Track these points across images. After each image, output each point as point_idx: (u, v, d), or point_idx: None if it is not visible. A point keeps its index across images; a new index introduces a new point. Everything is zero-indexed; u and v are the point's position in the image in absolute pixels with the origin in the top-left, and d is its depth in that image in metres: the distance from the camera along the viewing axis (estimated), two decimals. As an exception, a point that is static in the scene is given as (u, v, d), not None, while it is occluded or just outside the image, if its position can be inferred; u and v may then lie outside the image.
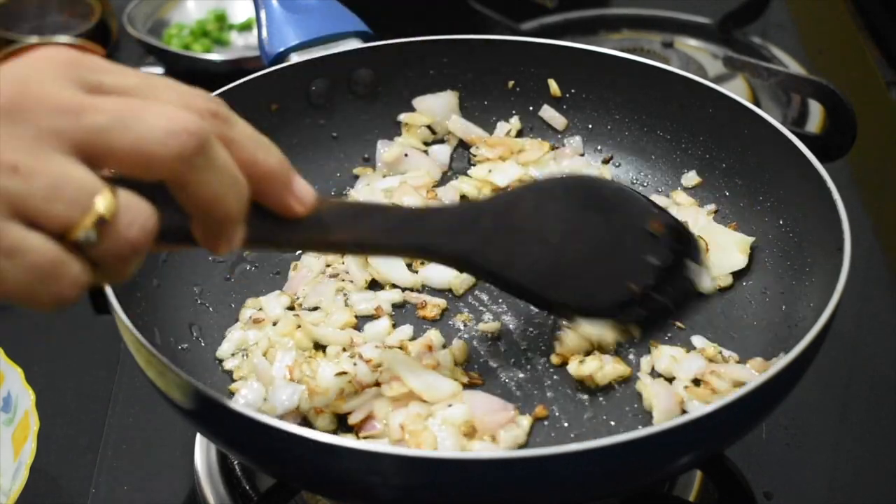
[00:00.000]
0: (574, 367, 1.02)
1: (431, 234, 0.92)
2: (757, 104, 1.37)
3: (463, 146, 1.31)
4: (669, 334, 1.08)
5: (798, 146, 1.10)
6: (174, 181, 0.70)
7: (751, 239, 1.15)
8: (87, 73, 0.69)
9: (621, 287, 1.03)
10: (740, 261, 1.14)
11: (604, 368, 1.01)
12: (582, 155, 1.29)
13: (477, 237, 0.94)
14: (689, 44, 1.79)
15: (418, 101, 1.30)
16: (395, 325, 1.09)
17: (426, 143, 1.30)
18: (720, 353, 1.04)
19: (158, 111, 0.68)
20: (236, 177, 0.73)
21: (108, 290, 0.95)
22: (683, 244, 1.10)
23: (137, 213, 0.68)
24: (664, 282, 1.06)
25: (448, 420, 0.95)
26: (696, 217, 1.19)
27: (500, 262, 0.96)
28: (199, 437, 1.15)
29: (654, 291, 1.05)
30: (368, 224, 0.87)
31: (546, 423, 0.99)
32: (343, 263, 1.16)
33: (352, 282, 1.13)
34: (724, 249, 1.14)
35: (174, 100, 0.71)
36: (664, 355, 1.03)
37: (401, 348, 1.04)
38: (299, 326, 1.07)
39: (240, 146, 0.74)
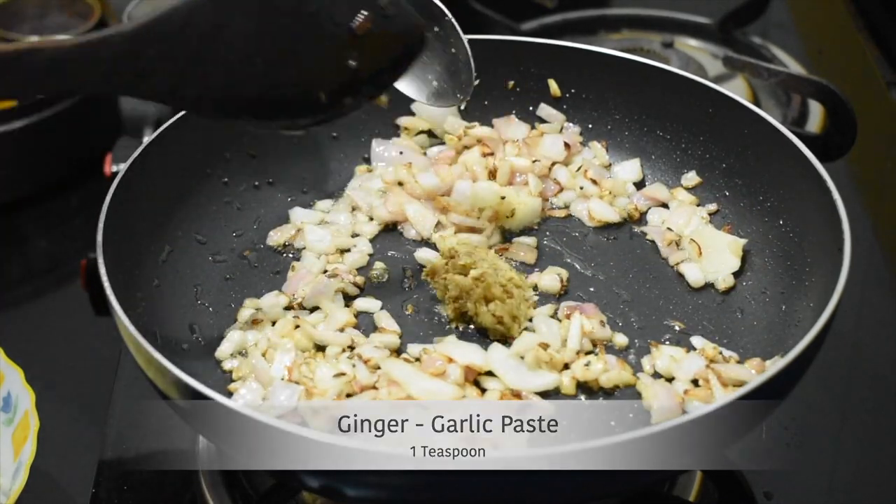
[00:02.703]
0: (579, 370, 1.01)
1: (87, 74, 0.89)
2: (757, 104, 1.37)
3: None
4: (669, 335, 1.08)
5: (798, 146, 1.10)
6: None
7: (743, 241, 1.15)
8: None
9: (312, 95, 1.00)
10: (733, 263, 1.14)
11: (608, 372, 1.01)
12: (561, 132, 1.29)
13: (138, 71, 0.91)
14: (689, 44, 1.79)
15: (418, 106, 1.30)
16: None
17: (424, 149, 1.30)
18: (720, 353, 1.04)
19: None
20: None
21: (108, 291, 0.96)
22: (394, 40, 1.03)
23: None
24: (361, 81, 1.02)
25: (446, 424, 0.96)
26: (690, 218, 1.19)
27: (165, 90, 0.94)
28: (199, 437, 1.15)
29: (347, 94, 1.02)
30: (18, 72, 0.86)
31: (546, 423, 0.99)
32: (343, 264, 1.16)
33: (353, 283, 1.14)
34: (718, 252, 1.14)
35: None
36: (664, 355, 1.03)
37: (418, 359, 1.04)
38: (298, 327, 1.07)
39: None
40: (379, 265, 1.17)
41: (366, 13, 0.99)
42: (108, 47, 0.90)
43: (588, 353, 1.04)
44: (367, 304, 1.12)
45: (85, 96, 1.56)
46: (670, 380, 1.02)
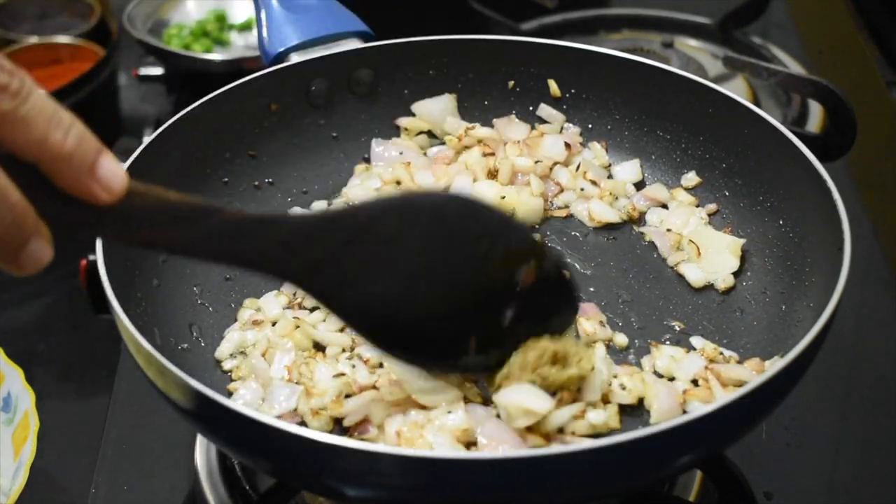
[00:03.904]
0: (620, 397, 0.99)
1: (258, 250, 0.83)
2: (757, 104, 1.37)
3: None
4: (669, 335, 1.08)
5: (798, 146, 1.10)
6: None
7: (742, 241, 1.15)
8: None
9: (462, 340, 0.93)
10: (732, 263, 1.14)
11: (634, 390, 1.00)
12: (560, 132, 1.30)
13: (311, 259, 0.85)
14: (689, 44, 1.79)
15: (417, 107, 1.30)
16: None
17: (424, 150, 1.30)
18: (720, 353, 1.04)
19: None
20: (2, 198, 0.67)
21: (108, 291, 0.95)
22: (550, 300, 0.97)
23: None
24: (509, 339, 0.95)
25: (445, 427, 0.95)
26: (688, 219, 1.19)
27: (332, 290, 0.88)
28: (199, 437, 1.15)
29: (493, 349, 0.95)
30: (189, 228, 0.79)
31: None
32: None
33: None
34: (717, 252, 1.15)
35: None
36: (664, 355, 1.03)
37: None
38: (298, 327, 1.07)
39: (29, 124, 0.68)
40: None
41: (533, 265, 0.94)
42: (286, 229, 0.85)
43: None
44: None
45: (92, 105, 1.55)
46: (670, 380, 1.02)
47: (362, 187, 1.25)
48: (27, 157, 0.69)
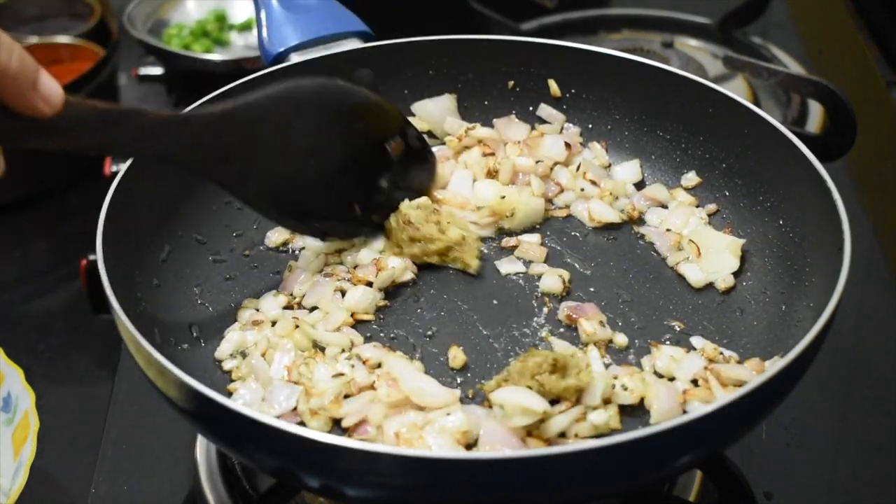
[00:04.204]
0: (621, 398, 0.99)
1: (175, 144, 0.96)
2: (757, 104, 1.37)
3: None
4: (669, 335, 1.08)
5: (798, 146, 1.10)
6: None
7: (741, 241, 1.15)
8: None
9: (346, 208, 1.12)
10: (732, 263, 1.14)
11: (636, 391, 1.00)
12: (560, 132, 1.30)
13: (216, 152, 0.99)
14: (689, 44, 1.79)
15: (417, 107, 1.30)
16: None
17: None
18: (720, 353, 1.04)
19: None
20: None
21: (108, 291, 0.96)
22: (415, 164, 1.17)
23: None
24: (389, 202, 1.14)
25: (445, 429, 0.95)
26: (688, 219, 1.19)
27: (234, 177, 1.02)
28: (199, 437, 1.15)
29: (376, 211, 1.14)
30: (117, 131, 0.91)
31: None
32: (342, 264, 1.16)
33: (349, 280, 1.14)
34: (717, 252, 1.14)
35: None
36: (664, 355, 1.03)
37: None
38: (297, 327, 1.07)
39: None
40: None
41: (399, 139, 1.14)
42: (196, 123, 0.99)
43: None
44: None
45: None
46: (670, 380, 1.02)
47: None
48: None
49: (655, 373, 1.03)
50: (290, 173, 1.06)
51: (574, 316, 1.08)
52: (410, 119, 1.29)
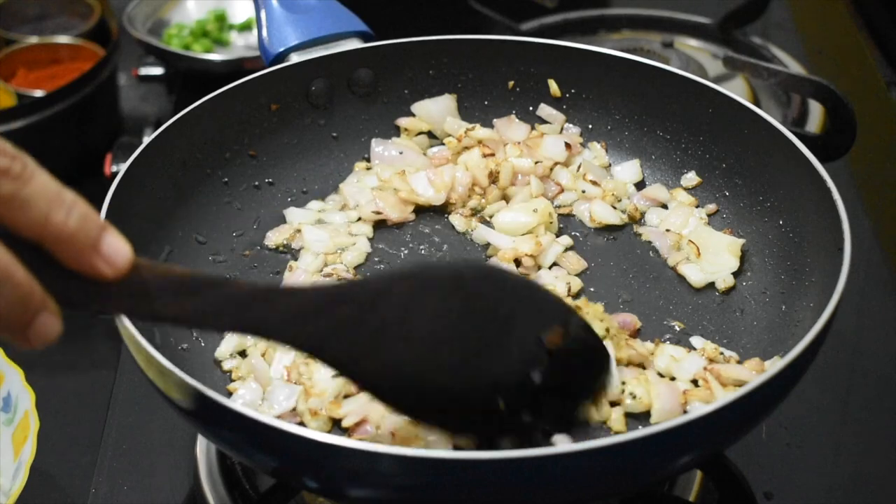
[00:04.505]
0: (630, 404, 0.99)
1: (271, 317, 0.82)
2: (757, 104, 1.37)
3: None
4: (669, 335, 1.08)
5: (798, 146, 1.10)
6: None
7: (741, 241, 1.15)
8: None
9: (488, 402, 0.92)
10: (732, 264, 1.14)
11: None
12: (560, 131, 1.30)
13: (325, 327, 0.84)
14: (689, 44, 1.79)
15: (417, 107, 1.30)
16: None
17: (424, 150, 1.30)
18: (720, 353, 1.04)
19: None
20: (3, 277, 0.68)
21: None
22: (580, 361, 0.98)
23: None
24: (542, 400, 0.94)
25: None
26: (688, 219, 1.19)
27: (347, 357, 0.86)
28: (199, 437, 1.15)
29: (525, 409, 0.94)
30: (198, 300, 0.79)
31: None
32: (341, 263, 1.16)
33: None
34: (717, 253, 1.14)
35: None
36: (664, 355, 1.03)
37: None
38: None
39: (31, 207, 0.69)
40: (378, 264, 1.17)
41: (558, 328, 0.95)
42: (301, 296, 0.85)
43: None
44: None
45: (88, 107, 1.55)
46: (671, 380, 1.02)
47: (359, 185, 1.25)
48: (30, 237, 0.70)
49: (657, 373, 1.03)
50: (412, 358, 0.88)
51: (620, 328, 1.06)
52: (410, 119, 1.30)
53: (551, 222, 1.19)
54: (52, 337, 0.72)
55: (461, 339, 0.90)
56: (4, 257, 0.69)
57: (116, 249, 0.73)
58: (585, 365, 0.98)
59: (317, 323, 0.84)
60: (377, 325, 0.86)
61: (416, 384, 0.89)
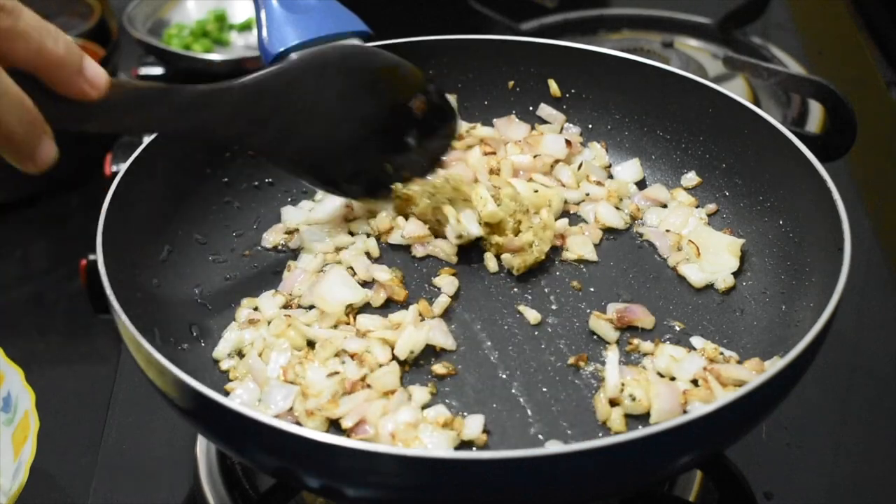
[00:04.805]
0: (629, 406, 0.99)
1: (214, 116, 1.01)
2: (757, 104, 1.37)
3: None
4: (669, 335, 1.08)
5: (798, 146, 1.10)
6: None
7: (741, 241, 1.15)
8: None
9: (380, 166, 1.17)
10: (732, 264, 1.14)
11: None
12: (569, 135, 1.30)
13: (253, 119, 1.04)
14: (689, 44, 1.79)
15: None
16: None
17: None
18: (720, 353, 1.04)
19: None
20: (18, 101, 0.78)
21: (108, 290, 0.96)
22: (439, 119, 1.22)
23: None
24: (412, 154, 1.19)
25: (431, 420, 0.96)
26: (687, 219, 1.19)
27: (271, 143, 1.07)
28: (199, 437, 1.15)
29: (401, 163, 1.18)
30: (157, 108, 0.95)
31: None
32: (340, 263, 1.16)
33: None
34: (716, 253, 1.14)
35: None
36: (664, 355, 1.03)
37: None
38: (290, 325, 1.06)
39: (26, 37, 0.79)
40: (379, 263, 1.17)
41: (422, 96, 1.19)
42: (233, 94, 1.03)
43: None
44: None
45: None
46: (671, 380, 1.02)
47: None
48: (28, 66, 0.80)
49: (657, 373, 1.03)
50: (322, 137, 1.11)
51: (626, 318, 1.07)
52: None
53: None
54: (53, 158, 0.83)
55: (355, 112, 1.14)
56: (14, 87, 0.78)
57: (97, 72, 0.85)
58: (442, 122, 1.23)
59: (250, 116, 1.04)
60: (293, 112, 1.07)
61: (327, 157, 1.13)
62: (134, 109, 0.92)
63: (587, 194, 1.23)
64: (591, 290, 1.13)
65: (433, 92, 1.21)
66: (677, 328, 1.09)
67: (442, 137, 1.24)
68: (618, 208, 1.22)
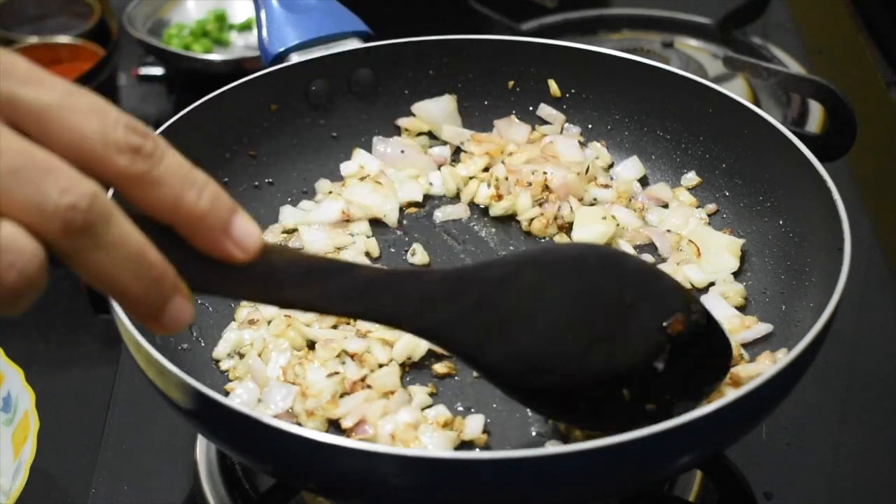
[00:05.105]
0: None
1: (399, 303, 0.81)
2: (757, 104, 1.37)
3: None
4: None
5: (798, 146, 1.10)
6: (61, 252, 0.67)
7: (741, 241, 1.15)
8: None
9: (611, 392, 0.90)
10: (732, 264, 1.14)
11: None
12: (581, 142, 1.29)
13: (452, 313, 0.84)
14: (689, 44, 1.79)
15: (417, 107, 1.30)
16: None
17: (425, 149, 1.30)
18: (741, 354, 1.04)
19: (57, 174, 0.63)
20: (135, 255, 0.66)
21: (108, 290, 0.95)
22: (702, 349, 0.94)
23: (17, 255, 0.64)
24: (664, 387, 0.92)
25: (431, 420, 0.96)
26: (687, 219, 1.19)
27: (472, 344, 0.86)
28: (199, 437, 1.15)
29: (649, 397, 0.91)
30: (326, 285, 0.78)
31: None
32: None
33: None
34: (716, 253, 1.14)
35: (90, 131, 0.64)
36: None
37: None
38: (289, 325, 1.06)
39: (163, 186, 0.68)
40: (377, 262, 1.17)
41: (680, 315, 0.92)
42: (428, 281, 0.84)
43: None
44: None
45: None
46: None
47: (355, 163, 1.27)
48: (162, 217, 0.69)
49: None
50: (538, 345, 0.88)
51: None
52: (410, 119, 1.30)
53: (619, 225, 1.18)
54: (186, 321, 0.70)
55: (585, 325, 0.88)
56: (138, 238, 0.67)
57: (247, 232, 0.71)
58: (708, 353, 0.95)
59: (445, 308, 0.83)
60: (502, 311, 0.85)
61: (538, 372, 0.88)
62: (289, 282, 0.76)
63: (595, 199, 1.22)
64: (591, 290, 1.13)
65: (698, 311, 0.93)
66: (677, 328, 1.09)
67: (701, 368, 0.95)
68: (628, 208, 1.22)
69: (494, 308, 0.85)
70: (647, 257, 1.17)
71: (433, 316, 0.83)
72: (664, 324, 0.90)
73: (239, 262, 0.71)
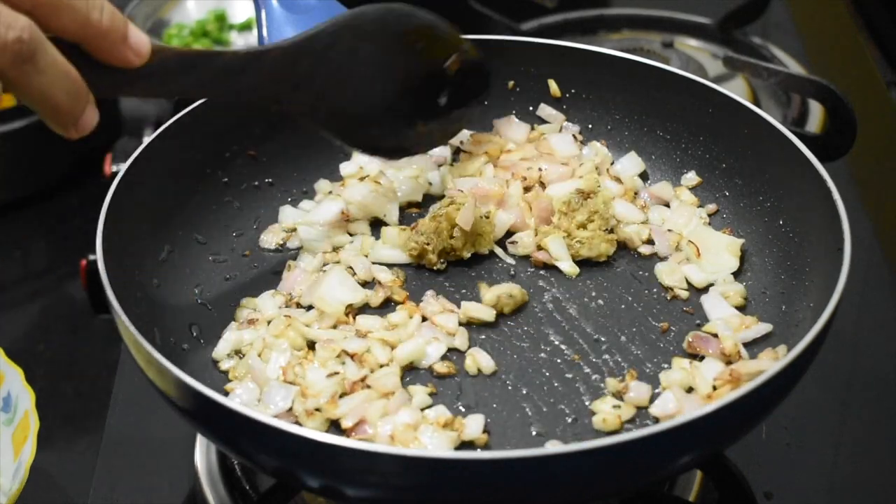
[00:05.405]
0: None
1: (251, 80, 1.01)
2: (757, 104, 1.37)
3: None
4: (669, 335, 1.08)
5: (798, 146, 1.10)
6: (8, 80, 0.78)
7: (741, 241, 1.15)
8: None
9: (412, 128, 1.16)
10: (732, 264, 1.14)
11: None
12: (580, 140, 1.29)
13: (290, 82, 1.04)
14: (689, 44, 1.79)
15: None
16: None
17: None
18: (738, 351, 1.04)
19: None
20: (64, 73, 0.81)
21: (108, 290, 0.96)
22: (473, 80, 1.21)
23: (13, 20, 0.76)
24: (446, 115, 1.19)
25: (430, 420, 0.96)
26: (688, 220, 1.19)
27: (308, 106, 1.07)
28: (199, 437, 1.15)
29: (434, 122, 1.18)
30: (197, 73, 0.96)
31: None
32: (339, 263, 1.16)
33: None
34: (716, 253, 1.14)
35: None
36: (678, 368, 1.02)
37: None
38: (289, 325, 1.06)
39: (73, 9, 0.81)
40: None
41: (456, 55, 1.17)
42: (269, 58, 1.02)
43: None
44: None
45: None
46: (688, 391, 1.00)
47: (354, 163, 1.27)
48: (74, 37, 0.83)
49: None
50: (357, 98, 1.10)
51: (697, 347, 1.04)
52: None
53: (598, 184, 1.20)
54: (94, 124, 0.85)
55: (391, 73, 1.12)
56: (63, 60, 0.81)
57: (140, 40, 0.87)
58: (475, 80, 1.21)
59: (287, 78, 1.04)
60: (329, 73, 1.07)
61: (361, 117, 1.12)
62: (174, 75, 0.93)
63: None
64: (593, 292, 1.13)
65: (467, 50, 1.19)
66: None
67: (473, 94, 1.22)
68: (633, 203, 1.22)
69: (322, 73, 1.06)
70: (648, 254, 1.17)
71: (275, 85, 1.03)
72: (445, 64, 1.16)
73: (135, 65, 0.87)
